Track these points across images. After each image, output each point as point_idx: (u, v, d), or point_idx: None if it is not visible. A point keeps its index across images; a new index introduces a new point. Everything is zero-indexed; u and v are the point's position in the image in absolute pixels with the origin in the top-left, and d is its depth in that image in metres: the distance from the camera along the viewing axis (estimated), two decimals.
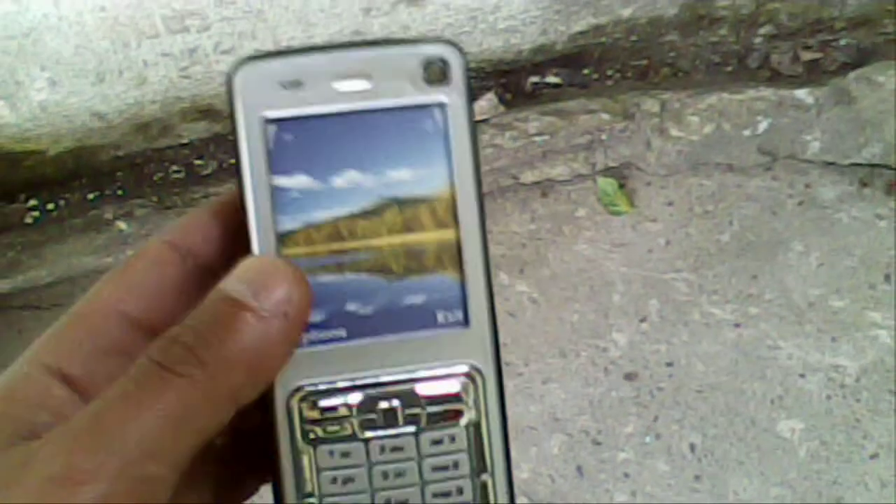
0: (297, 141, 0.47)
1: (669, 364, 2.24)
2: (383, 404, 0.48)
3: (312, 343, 0.48)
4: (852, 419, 2.16)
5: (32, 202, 2.58)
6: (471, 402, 0.50)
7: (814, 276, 2.29)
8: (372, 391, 0.48)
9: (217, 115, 2.50)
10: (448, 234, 0.47)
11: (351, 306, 0.48)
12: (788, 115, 2.39)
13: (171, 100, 2.39)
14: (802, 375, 2.21)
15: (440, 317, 0.49)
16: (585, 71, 2.61)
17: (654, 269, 2.34)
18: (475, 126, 0.48)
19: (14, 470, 0.40)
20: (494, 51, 2.51)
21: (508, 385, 2.15)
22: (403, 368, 0.49)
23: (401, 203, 0.47)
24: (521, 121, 2.46)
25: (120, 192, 2.57)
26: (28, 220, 2.55)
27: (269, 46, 2.29)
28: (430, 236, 0.47)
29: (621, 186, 2.43)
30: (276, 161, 0.47)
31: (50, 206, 2.57)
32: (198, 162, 2.59)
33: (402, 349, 0.48)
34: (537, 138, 2.44)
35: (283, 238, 0.48)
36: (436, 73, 0.46)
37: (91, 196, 2.57)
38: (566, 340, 2.29)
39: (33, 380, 0.45)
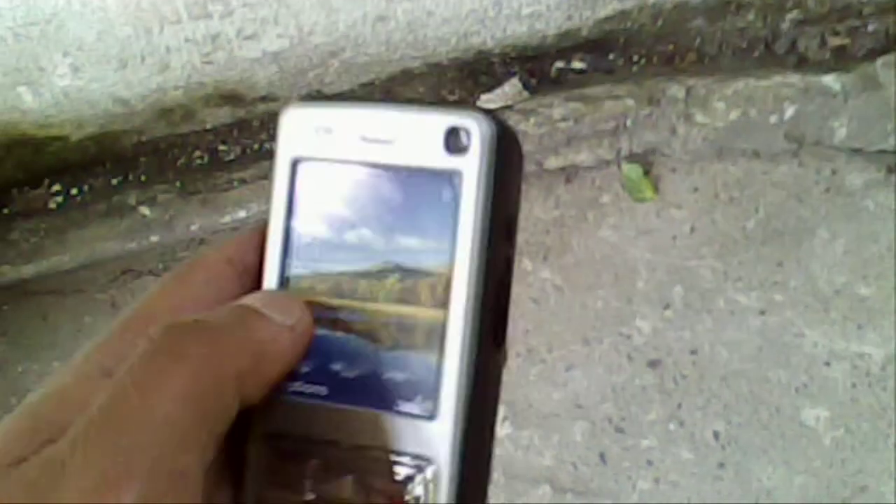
0: (320, 187, 0.48)
1: (693, 351, 2.23)
2: (335, 472, 0.47)
3: (295, 393, 0.48)
4: (878, 407, 2.15)
5: (56, 187, 2.58)
6: (417, 492, 0.47)
7: (840, 263, 2.28)
8: (329, 456, 0.48)
9: (240, 101, 2.49)
10: (436, 316, 0.46)
11: (336, 366, 0.48)
12: (815, 101, 2.37)
13: (193, 85, 2.38)
14: (828, 363, 2.19)
15: (412, 401, 0.47)
16: (611, 56, 2.59)
17: (679, 256, 2.33)
18: (501, 199, 0.46)
19: (48, 480, 0.40)
20: (519, 36, 2.49)
21: (531, 371, 2.16)
22: (366, 443, 0.47)
23: (403, 271, 0.46)
24: (545, 107, 2.45)
25: (143, 178, 2.57)
26: (52, 205, 2.56)
27: (292, 32, 2.29)
28: (420, 313, 0.46)
29: (646, 173, 2.41)
30: (298, 204, 0.49)
31: (73, 191, 2.57)
32: (221, 147, 2.59)
33: (372, 423, 0.47)
34: (562, 124, 2.43)
35: (289, 281, 0.49)
36: (456, 142, 0.45)
37: (114, 181, 2.58)
38: (589, 327, 2.28)
39: (84, 382, 0.44)
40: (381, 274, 0.46)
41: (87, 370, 0.45)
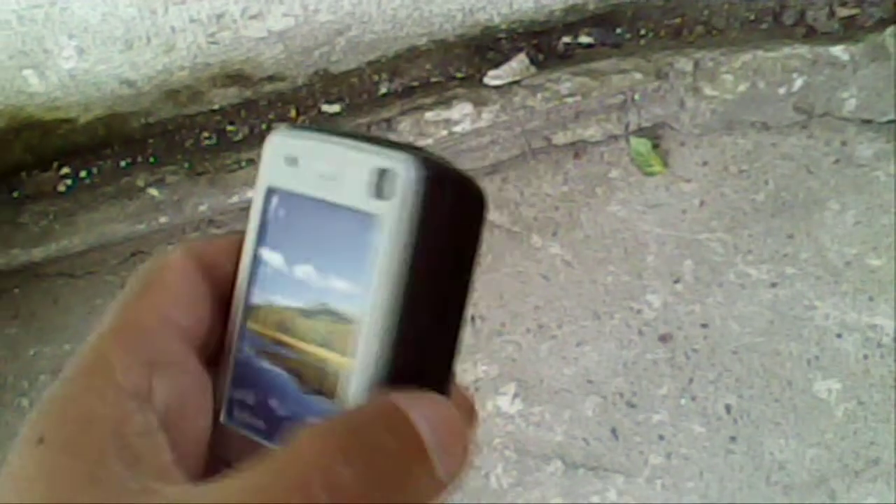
0: (284, 218, 0.47)
1: (704, 325, 2.23)
2: None
3: (239, 421, 0.48)
4: (890, 378, 2.14)
5: (65, 170, 2.59)
6: None
7: (850, 234, 2.27)
8: None
9: (247, 81, 2.49)
10: (348, 365, 0.43)
11: (273, 402, 0.47)
12: (824, 72, 2.36)
13: (200, 66, 2.38)
14: (839, 335, 2.19)
15: None
16: (618, 30, 2.58)
17: (689, 230, 2.32)
18: (427, 250, 0.43)
19: None
20: (526, 11, 2.48)
21: (541, 347, 2.16)
22: None
23: (331, 314, 0.45)
24: (553, 81, 2.44)
25: (152, 160, 2.57)
26: (61, 188, 2.56)
27: (298, 11, 2.28)
28: (336, 360, 0.44)
29: (655, 147, 2.41)
30: (266, 232, 0.48)
31: (83, 173, 2.58)
32: (229, 128, 2.59)
33: None
34: (569, 99, 2.42)
35: (249, 310, 0.48)
36: (382, 185, 0.43)
37: (123, 164, 2.58)
38: (600, 302, 2.28)
39: (111, 402, 0.42)
40: (314, 314, 0.45)
41: (114, 389, 0.43)
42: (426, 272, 0.43)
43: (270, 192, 0.48)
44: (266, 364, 0.47)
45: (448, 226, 0.44)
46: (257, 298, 0.48)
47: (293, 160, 0.47)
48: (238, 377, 0.48)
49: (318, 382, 0.45)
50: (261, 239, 0.48)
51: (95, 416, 0.41)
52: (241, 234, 0.50)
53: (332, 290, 0.44)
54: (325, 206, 0.45)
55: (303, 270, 0.46)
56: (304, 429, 0.40)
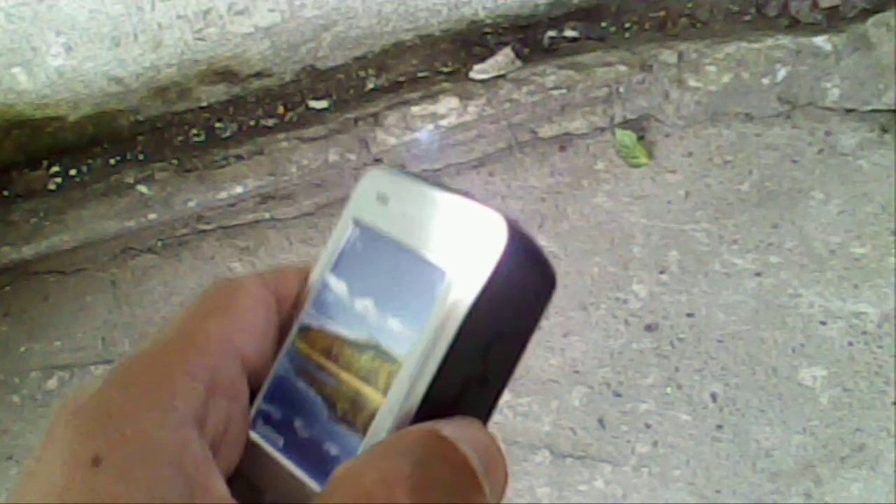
0: (362, 250, 0.47)
1: (690, 315, 2.24)
2: None
3: (260, 433, 0.48)
4: (874, 366, 2.15)
5: (55, 168, 2.60)
6: None
7: (834, 223, 2.28)
8: None
9: (235, 78, 2.51)
10: (382, 402, 0.43)
11: (298, 422, 0.47)
12: (807, 62, 2.37)
13: (187, 63, 2.39)
14: (824, 323, 2.20)
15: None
16: (603, 24, 2.60)
17: (674, 221, 2.34)
18: (486, 317, 0.42)
19: None
20: (511, 6, 2.50)
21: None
22: None
23: (379, 351, 0.44)
24: (538, 75, 2.46)
25: (141, 157, 2.59)
26: (51, 186, 2.58)
27: (283, 7, 2.30)
28: (373, 395, 0.44)
29: (640, 138, 2.42)
30: (341, 260, 0.48)
31: (72, 171, 2.59)
32: (218, 125, 2.60)
33: (300, 490, 0.46)
34: (555, 92, 2.43)
35: (302, 330, 0.48)
36: (462, 244, 0.42)
37: (113, 161, 2.59)
38: (586, 293, 2.29)
39: (171, 427, 0.40)
40: (363, 347, 0.45)
41: (174, 420, 0.41)
42: (480, 337, 0.42)
43: (355, 223, 0.48)
44: (303, 384, 0.47)
45: (514, 298, 0.43)
46: (312, 320, 0.48)
47: (384, 198, 0.46)
48: (272, 390, 0.48)
49: (350, 413, 0.44)
50: (332, 265, 0.48)
51: (156, 442, 0.40)
52: (307, 265, 0.50)
53: (386, 329, 0.44)
54: (403, 249, 0.45)
55: (363, 304, 0.45)
56: (352, 463, 0.40)
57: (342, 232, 0.48)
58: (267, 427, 0.47)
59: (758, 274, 2.26)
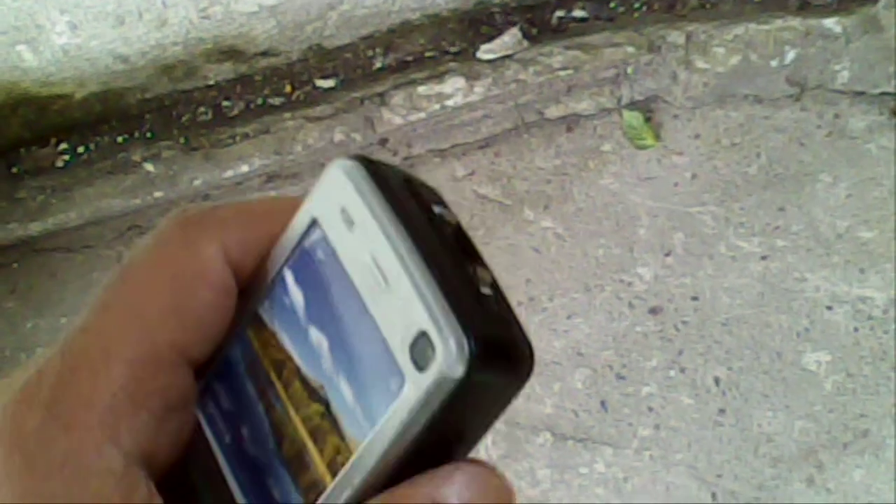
0: (319, 265, 0.41)
1: (694, 298, 2.23)
2: None
3: (207, 415, 0.44)
4: (880, 351, 2.14)
5: (63, 146, 2.60)
6: None
7: (842, 207, 2.27)
8: None
9: (241, 56, 2.50)
10: (323, 473, 0.40)
11: (245, 431, 0.43)
12: (816, 44, 2.36)
13: (193, 41, 2.39)
14: (829, 307, 2.19)
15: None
16: (612, 4, 2.58)
17: (680, 203, 2.32)
18: (442, 426, 0.37)
19: None
20: None
21: (532, 320, 2.17)
22: None
23: (329, 412, 0.40)
24: (545, 55, 2.44)
25: (149, 135, 2.59)
26: (59, 163, 2.58)
27: None
28: (316, 456, 0.40)
29: (647, 120, 2.41)
30: (300, 260, 0.41)
31: (80, 149, 2.59)
32: (225, 103, 2.60)
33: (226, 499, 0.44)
34: (562, 73, 2.42)
35: (255, 317, 0.43)
36: (418, 350, 0.36)
37: (120, 139, 2.59)
38: (591, 275, 2.28)
39: (117, 479, 0.36)
40: (314, 392, 0.40)
41: (118, 460, 0.37)
42: (441, 440, 0.39)
43: (315, 224, 0.41)
44: (251, 390, 0.43)
45: (477, 406, 0.38)
46: (266, 314, 0.42)
47: (349, 220, 0.39)
48: (222, 372, 0.43)
49: (295, 465, 0.41)
50: (289, 259, 0.42)
51: (70, 461, 0.36)
52: (275, 228, 0.42)
53: (338, 391, 0.39)
54: (366, 311, 0.38)
55: (317, 337, 0.40)
56: None
57: (301, 224, 0.41)
58: (214, 412, 0.44)
59: (764, 257, 2.24)
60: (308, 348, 0.40)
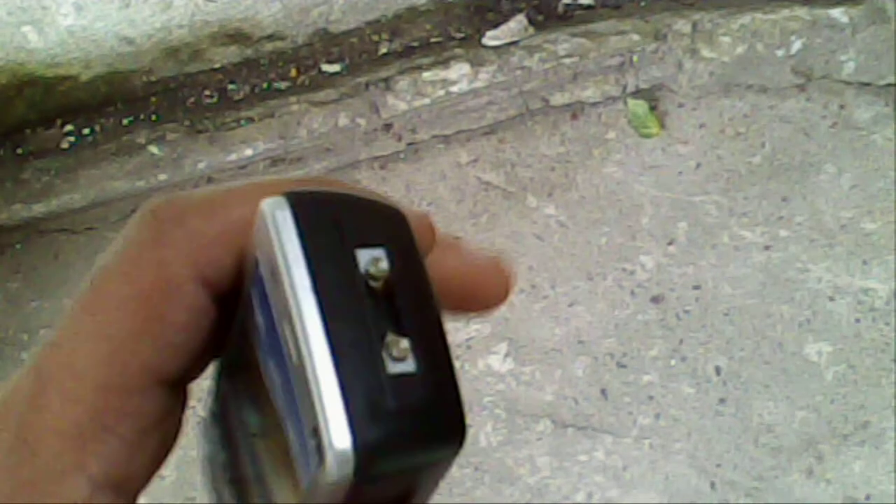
0: (266, 302, 0.35)
1: (697, 287, 2.23)
2: None
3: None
4: (881, 343, 2.14)
5: (69, 127, 2.60)
6: None
7: (846, 198, 2.26)
8: None
9: (247, 40, 2.50)
10: None
11: (246, 413, 0.39)
12: (823, 34, 2.35)
13: (198, 24, 2.39)
14: (832, 298, 2.19)
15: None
16: None
17: (684, 192, 2.32)
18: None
19: None
20: None
21: (534, 307, 2.17)
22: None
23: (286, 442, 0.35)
24: (550, 42, 2.44)
25: (154, 117, 2.59)
26: (64, 144, 2.58)
27: None
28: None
29: (652, 108, 2.40)
30: (257, 286, 0.35)
31: (86, 131, 2.59)
32: (230, 87, 2.60)
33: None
34: (567, 60, 2.42)
35: (240, 321, 0.38)
36: (316, 445, 0.32)
37: (126, 121, 2.60)
38: (593, 263, 2.28)
39: None
40: (278, 423, 0.35)
41: (85, 486, 0.35)
42: None
43: (257, 263, 0.35)
44: (244, 391, 0.39)
45: (392, 488, 0.34)
46: (250, 327, 0.37)
47: (273, 272, 0.34)
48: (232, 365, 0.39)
49: (267, 475, 0.38)
50: (254, 285, 0.36)
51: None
52: (237, 223, 0.36)
53: (289, 430, 0.34)
54: (288, 372, 0.34)
55: (274, 373, 0.35)
56: None
57: (251, 256, 0.35)
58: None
59: (766, 247, 2.24)
60: (271, 376, 0.35)
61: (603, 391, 2.17)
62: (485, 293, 0.39)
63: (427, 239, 0.37)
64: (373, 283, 0.33)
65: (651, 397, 2.16)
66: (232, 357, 0.40)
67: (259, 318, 0.35)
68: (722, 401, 2.13)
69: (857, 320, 2.16)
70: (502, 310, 2.25)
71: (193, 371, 0.39)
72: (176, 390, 0.38)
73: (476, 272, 0.38)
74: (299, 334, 0.32)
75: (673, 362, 2.18)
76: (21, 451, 0.35)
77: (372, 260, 0.33)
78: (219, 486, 0.44)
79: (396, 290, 0.33)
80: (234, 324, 0.38)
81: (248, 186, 0.38)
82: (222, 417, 0.43)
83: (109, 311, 0.36)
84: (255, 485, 0.39)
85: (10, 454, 0.35)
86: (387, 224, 0.35)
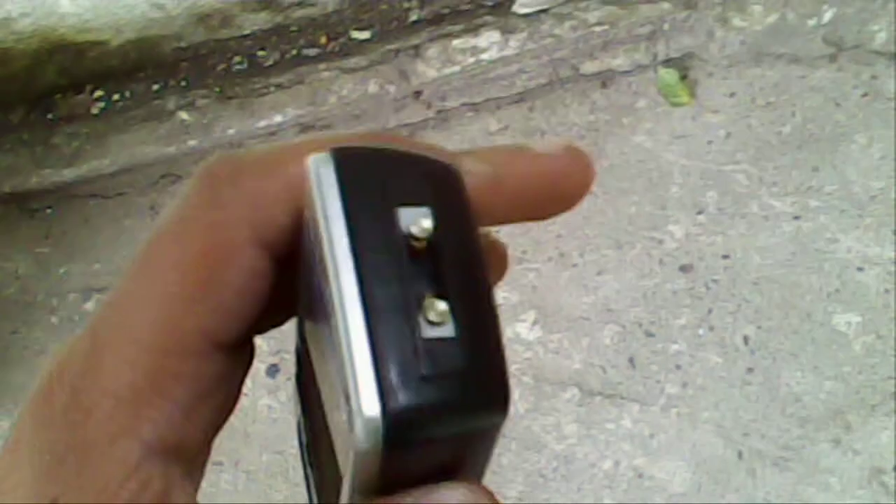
0: (311, 263, 0.34)
1: (725, 256, 2.23)
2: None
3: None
4: None
5: (99, 93, 2.61)
6: None
7: (876, 168, 2.25)
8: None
9: (277, 6, 2.50)
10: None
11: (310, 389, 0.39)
12: (855, 4, 2.34)
13: None
14: (860, 269, 2.18)
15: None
16: None
17: (714, 161, 2.32)
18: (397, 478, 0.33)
19: None
20: None
21: (562, 276, 2.17)
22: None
23: (330, 438, 0.35)
24: (581, 10, 2.43)
25: (183, 84, 2.60)
26: (94, 110, 2.59)
27: None
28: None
29: (683, 77, 2.40)
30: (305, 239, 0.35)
31: (115, 96, 2.60)
32: (260, 53, 2.60)
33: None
34: (597, 28, 2.41)
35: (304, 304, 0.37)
36: (348, 412, 0.31)
37: (155, 87, 2.60)
38: (622, 232, 2.28)
39: (128, 473, 0.34)
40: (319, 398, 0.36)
41: (139, 450, 0.35)
42: (409, 477, 0.33)
43: (306, 221, 0.34)
44: (308, 380, 0.38)
45: (435, 455, 0.33)
46: (306, 315, 0.37)
47: (314, 230, 0.33)
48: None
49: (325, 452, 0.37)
50: (304, 239, 0.35)
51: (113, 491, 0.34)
52: (291, 177, 0.35)
53: (328, 404, 0.35)
54: (327, 335, 0.33)
55: (318, 340, 0.35)
56: None
57: (305, 215, 0.35)
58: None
59: (796, 217, 2.24)
60: (323, 341, 0.34)
61: (630, 360, 2.18)
62: (567, 188, 0.37)
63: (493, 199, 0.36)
64: (414, 244, 0.31)
65: (679, 366, 2.16)
66: (301, 320, 0.39)
67: (311, 279, 0.34)
68: (750, 370, 2.13)
69: (886, 291, 2.15)
70: (530, 278, 2.26)
71: (256, 330, 0.38)
72: (234, 354, 0.37)
73: (552, 171, 0.37)
74: (334, 296, 0.31)
75: (701, 331, 2.18)
76: (75, 413, 0.34)
77: (414, 219, 0.31)
78: (303, 461, 0.44)
79: (440, 252, 0.32)
80: (300, 284, 0.37)
81: (304, 143, 0.37)
82: (303, 385, 0.42)
83: (165, 275, 0.36)
84: (327, 465, 0.37)
85: (65, 415, 0.35)
86: (437, 182, 0.33)
